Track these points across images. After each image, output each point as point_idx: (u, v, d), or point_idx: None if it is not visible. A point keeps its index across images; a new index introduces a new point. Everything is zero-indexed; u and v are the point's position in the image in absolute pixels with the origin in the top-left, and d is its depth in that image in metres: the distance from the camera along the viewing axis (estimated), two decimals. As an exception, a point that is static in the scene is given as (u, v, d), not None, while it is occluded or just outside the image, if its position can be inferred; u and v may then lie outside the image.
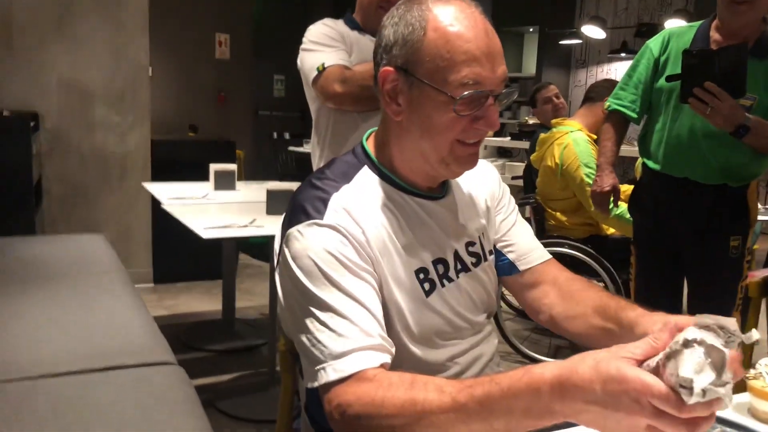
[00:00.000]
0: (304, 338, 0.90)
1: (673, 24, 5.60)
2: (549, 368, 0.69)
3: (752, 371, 0.98)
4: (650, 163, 2.20)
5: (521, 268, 1.17)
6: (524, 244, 1.19)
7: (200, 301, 3.84)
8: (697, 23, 2.15)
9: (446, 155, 0.98)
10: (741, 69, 1.89)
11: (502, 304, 3.21)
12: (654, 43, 2.20)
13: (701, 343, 0.61)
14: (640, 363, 0.65)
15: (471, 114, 0.94)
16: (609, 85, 3.11)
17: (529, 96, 4.10)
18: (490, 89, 0.94)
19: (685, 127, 2.07)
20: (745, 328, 1.76)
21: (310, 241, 0.92)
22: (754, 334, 0.66)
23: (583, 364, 0.66)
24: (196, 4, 7.26)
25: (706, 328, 0.64)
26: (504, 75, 0.96)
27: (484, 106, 0.95)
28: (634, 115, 2.25)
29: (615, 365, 0.64)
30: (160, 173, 3.89)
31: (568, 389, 0.66)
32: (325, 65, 2.05)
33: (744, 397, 1.00)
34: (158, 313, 3.56)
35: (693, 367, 0.60)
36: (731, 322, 0.65)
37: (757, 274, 2.05)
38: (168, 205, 2.62)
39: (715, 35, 2.07)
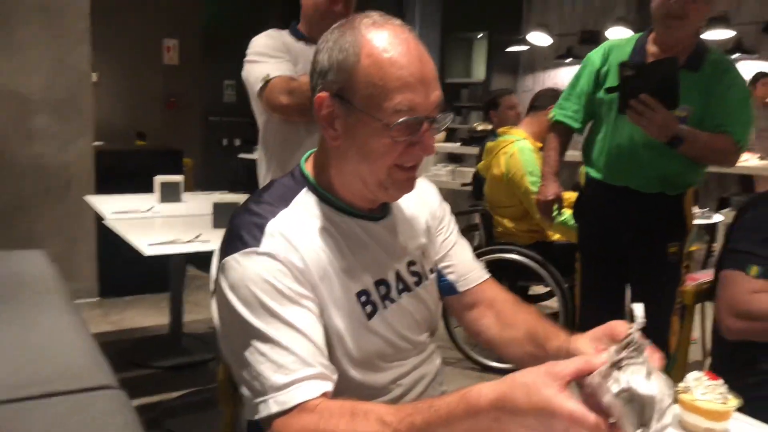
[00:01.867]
0: (244, 371, 0.89)
1: (615, 31, 5.77)
2: (484, 394, 0.71)
3: (682, 385, 1.01)
4: (592, 172, 2.26)
5: (460, 289, 1.18)
6: (463, 265, 1.20)
7: (147, 315, 3.76)
8: (636, 36, 2.23)
9: (384, 179, 0.98)
10: (673, 81, 1.95)
11: (453, 310, 3.23)
12: (595, 55, 2.26)
13: (627, 390, 0.65)
14: (569, 382, 0.68)
15: (407, 140, 0.95)
16: (553, 93, 3.19)
17: (489, 99, 4.11)
18: (424, 115, 0.94)
19: (625, 137, 2.13)
20: (681, 333, 1.81)
21: (247, 271, 0.91)
22: (637, 309, 0.72)
23: (518, 392, 0.69)
24: (142, 11, 7.13)
25: (618, 364, 0.67)
26: (438, 100, 0.96)
27: (419, 131, 0.95)
28: (577, 126, 2.32)
29: (546, 396, 0.67)
30: (106, 184, 3.79)
31: (503, 413, 0.70)
32: (271, 76, 2.03)
33: (674, 410, 1.03)
34: (103, 328, 3.47)
35: (636, 422, 0.65)
36: (624, 331, 0.71)
37: (697, 277, 2.12)
38: (111, 221, 2.56)
39: (651, 48, 2.14)
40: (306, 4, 2.17)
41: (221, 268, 0.95)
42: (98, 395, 1.49)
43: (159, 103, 7.48)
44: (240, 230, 0.95)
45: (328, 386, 0.87)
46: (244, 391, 0.89)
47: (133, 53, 7.16)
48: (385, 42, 0.93)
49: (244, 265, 0.92)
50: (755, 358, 1.50)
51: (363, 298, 1.00)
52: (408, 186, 1.01)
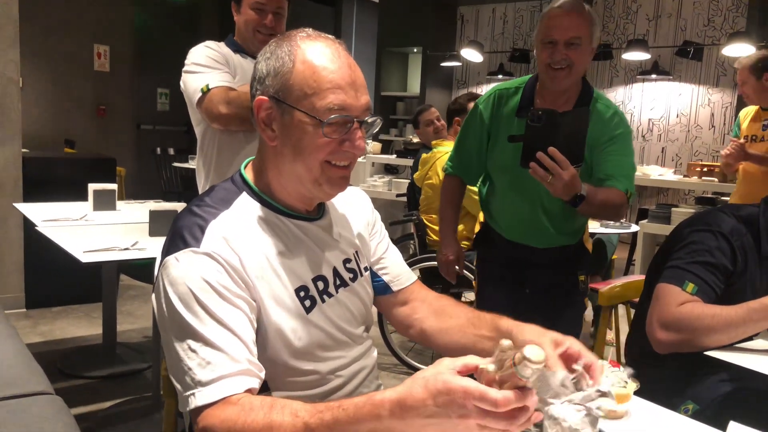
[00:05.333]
0: (176, 365, 0.94)
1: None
2: (387, 394, 0.78)
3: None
4: (494, 226, 2.16)
5: (395, 288, 1.28)
6: (396, 267, 1.30)
7: (78, 325, 3.68)
8: (524, 81, 2.06)
9: (319, 176, 1.06)
10: (582, 135, 1.79)
11: (388, 317, 3.32)
12: (484, 107, 2.08)
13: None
14: (463, 373, 0.74)
15: (339, 138, 1.04)
16: (469, 96, 3.36)
17: (413, 118, 4.28)
18: (355, 115, 1.04)
19: (523, 202, 2.03)
20: (597, 335, 1.95)
21: (186, 269, 0.97)
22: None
23: (416, 386, 0.75)
24: (72, 15, 6.95)
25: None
26: (367, 104, 1.06)
27: (350, 130, 1.04)
28: (469, 179, 2.21)
29: (441, 379, 0.73)
30: (34, 192, 3.69)
31: (406, 410, 0.75)
32: (210, 86, 2.06)
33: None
34: (32, 339, 3.38)
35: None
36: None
37: (615, 282, 2.27)
38: (43, 227, 2.52)
39: (538, 98, 2.00)
40: (239, 21, 2.23)
41: (162, 266, 1.00)
42: (35, 401, 1.50)
43: (89, 110, 7.29)
44: (182, 231, 1.01)
45: (254, 383, 0.94)
46: (176, 384, 0.95)
47: (62, 58, 6.96)
48: (318, 51, 1.04)
49: (184, 263, 0.97)
50: (663, 357, 1.64)
51: (302, 294, 1.07)
52: (341, 183, 1.09)
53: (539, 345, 0.71)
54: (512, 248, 2.10)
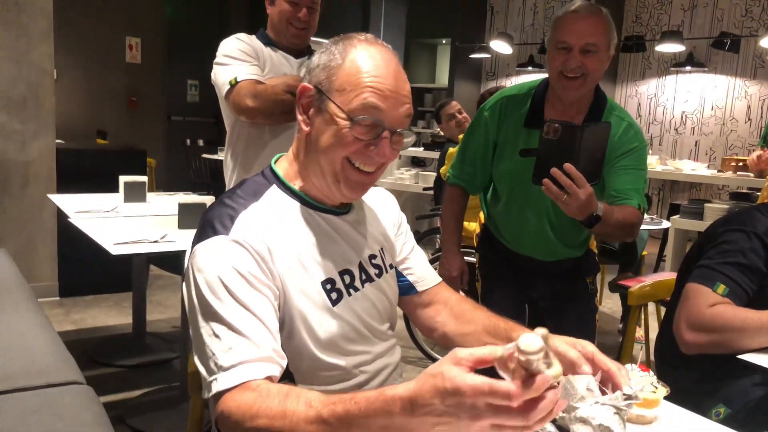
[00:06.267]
0: (200, 350, 0.96)
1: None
2: (400, 390, 0.74)
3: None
4: (499, 237, 2.07)
5: (419, 289, 1.28)
6: (421, 268, 1.30)
7: (109, 314, 3.75)
8: (532, 87, 1.92)
9: (339, 172, 1.07)
10: (601, 151, 1.66)
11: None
12: (490, 115, 1.94)
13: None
14: (472, 367, 0.70)
15: (366, 141, 1.04)
16: (495, 91, 3.29)
17: (434, 112, 4.24)
18: (388, 124, 1.04)
19: (530, 213, 1.94)
20: (626, 334, 1.92)
21: (215, 256, 0.98)
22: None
23: (426, 384, 0.71)
24: (105, 7, 7.05)
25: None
26: (404, 118, 1.06)
27: (379, 137, 1.04)
28: (474, 190, 2.10)
29: (449, 378, 0.69)
30: (67, 183, 3.76)
31: (416, 408, 0.72)
32: (238, 79, 2.08)
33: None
34: (65, 328, 3.45)
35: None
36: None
37: (645, 280, 2.24)
38: (75, 219, 2.56)
39: (549, 108, 1.88)
40: (272, 13, 2.23)
41: (192, 255, 1.02)
42: (66, 390, 1.53)
43: (121, 101, 7.41)
44: (212, 220, 1.03)
45: (275, 370, 0.94)
46: (201, 370, 0.96)
47: (95, 50, 7.08)
48: (369, 54, 1.06)
49: (213, 250, 0.99)
50: (694, 357, 1.61)
51: (328, 286, 1.08)
52: (358, 189, 1.10)
53: (539, 335, 0.66)
54: (517, 258, 2.04)
